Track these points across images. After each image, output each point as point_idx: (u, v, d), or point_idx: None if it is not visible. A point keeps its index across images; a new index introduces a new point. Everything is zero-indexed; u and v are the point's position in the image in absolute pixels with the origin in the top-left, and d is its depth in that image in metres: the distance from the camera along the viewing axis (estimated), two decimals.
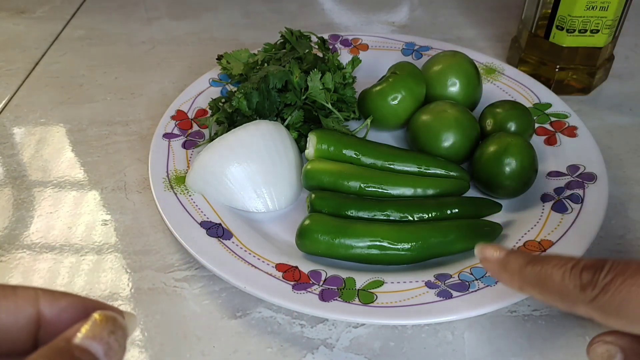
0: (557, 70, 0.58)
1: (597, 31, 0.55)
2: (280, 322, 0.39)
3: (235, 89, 0.54)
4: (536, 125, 0.51)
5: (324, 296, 0.37)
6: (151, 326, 0.39)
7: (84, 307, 0.20)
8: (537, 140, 0.50)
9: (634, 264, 0.24)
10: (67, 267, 0.43)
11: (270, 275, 0.39)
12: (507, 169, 0.44)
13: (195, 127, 0.52)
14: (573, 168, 0.47)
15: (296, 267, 0.40)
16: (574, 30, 0.55)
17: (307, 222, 0.41)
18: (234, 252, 0.40)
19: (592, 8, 0.53)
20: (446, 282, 0.38)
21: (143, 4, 0.79)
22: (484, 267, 0.30)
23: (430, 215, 0.43)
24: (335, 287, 0.38)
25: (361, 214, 0.43)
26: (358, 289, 0.38)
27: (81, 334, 0.18)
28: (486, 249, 0.30)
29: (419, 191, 0.45)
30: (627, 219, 0.47)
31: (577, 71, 0.58)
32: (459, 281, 0.38)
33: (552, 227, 0.42)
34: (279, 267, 0.40)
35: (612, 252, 0.44)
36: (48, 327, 0.20)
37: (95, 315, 0.19)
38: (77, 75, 0.65)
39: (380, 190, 0.45)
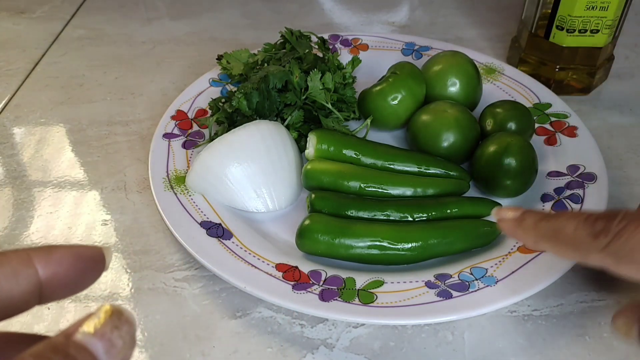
0: (557, 70, 0.58)
1: (597, 31, 0.55)
2: (280, 322, 0.39)
3: (235, 89, 0.54)
4: (536, 125, 0.51)
5: (324, 296, 0.37)
6: (151, 326, 0.39)
7: (75, 254, 0.20)
8: (537, 140, 0.50)
9: None
10: None
11: (270, 275, 0.39)
12: (507, 169, 0.44)
13: (195, 127, 0.52)
14: (573, 168, 0.47)
15: (296, 267, 0.40)
16: (574, 30, 0.55)
17: (307, 222, 0.41)
18: (234, 252, 0.40)
19: (592, 8, 0.53)
20: (446, 282, 0.38)
21: (143, 4, 0.79)
22: (500, 227, 0.31)
23: (430, 215, 0.43)
24: (335, 287, 0.38)
25: (361, 214, 0.43)
26: (358, 289, 0.38)
27: (82, 329, 0.17)
28: (502, 211, 0.31)
29: (419, 191, 0.45)
30: None
31: (577, 71, 0.58)
32: (459, 281, 0.38)
33: None
34: (279, 267, 0.40)
35: None
36: (48, 283, 0.19)
37: (101, 308, 0.17)
38: (77, 75, 0.65)
39: (380, 190, 0.45)
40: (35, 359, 0.15)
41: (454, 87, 0.51)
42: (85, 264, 0.20)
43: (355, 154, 0.47)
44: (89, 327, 0.17)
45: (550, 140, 0.50)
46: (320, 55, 0.55)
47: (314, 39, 0.57)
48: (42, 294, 0.19)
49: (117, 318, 0.17)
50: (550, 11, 0.55)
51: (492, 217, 0.32)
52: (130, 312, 0.18)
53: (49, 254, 0.19)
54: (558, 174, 0.47)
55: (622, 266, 0.26)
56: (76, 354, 0.16)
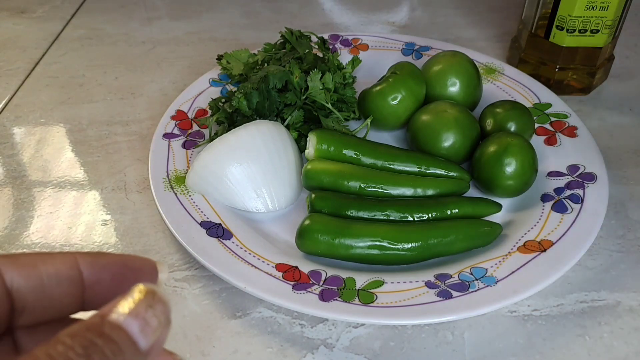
0: (557, 70, 0.58)
1: (597, 31, 0.55)
2: (280, 322, 0.39)
3: (235, 89, 0.54)
4: (536, 125, 0.51)
5: (324, 296, 0.37)
6: None
7: (123, 262, 0.20)
8: (537, 140, 0.50)
9: None
10: None
11: (270, 275, 0.39)
12: (507, 169, 0.44)
13: (195, 127, 0.52)
14: (573, 168, 0.47)
15: (296, 267, 0.40)
16: (574, 30, 0.55)
17: (307, 222, 0.41)
18: (234, 252, 0.40)
19: (592, 8, 0.53)
20: (446, 282, 0.38)
21: (143, 4, 0.79)
22: None
23: (430, 215, 0.43)
24: (335, 287, 0.38)
25: (361, 214, 0.43)
26: (358, 289, 0.38)
27: (116, 309, 0.17)
28: None
29: (419, 191, 0.45)
30: (627, 219, 0.47)
31: (577, 71, 0.58)
32: (459, 281, 0.38)
33: (552, 227, 0.42)
34: (279, 267, 0.40)
35: (612, 252, 0.44)
36: (92, 288, 0.19)
37: (135, 289, 0.17)
38: (77, 75, 0.65)
39: (380, 190, 0.45)
40: (71, 339, 0.15)
41: (454, 87, 0.51)
42: (134, 275, 0.20)
43: (355, 154, 0.47)
44: (123, 307, 0.17)
45: (550, 140, 0.50)
46: (320, 55, 0.55)
47: (314, 39, 0.57)
48: (86, 300, 0.19)
49: (151, 297, 0.17)
50: (550, 11, 0.55)
51: None
52: (164, 291, 0.18)
53: (96, 259, 0.19)
54: (558, 174, 0.47)
55: None
56: (111, 333, 0.16)
